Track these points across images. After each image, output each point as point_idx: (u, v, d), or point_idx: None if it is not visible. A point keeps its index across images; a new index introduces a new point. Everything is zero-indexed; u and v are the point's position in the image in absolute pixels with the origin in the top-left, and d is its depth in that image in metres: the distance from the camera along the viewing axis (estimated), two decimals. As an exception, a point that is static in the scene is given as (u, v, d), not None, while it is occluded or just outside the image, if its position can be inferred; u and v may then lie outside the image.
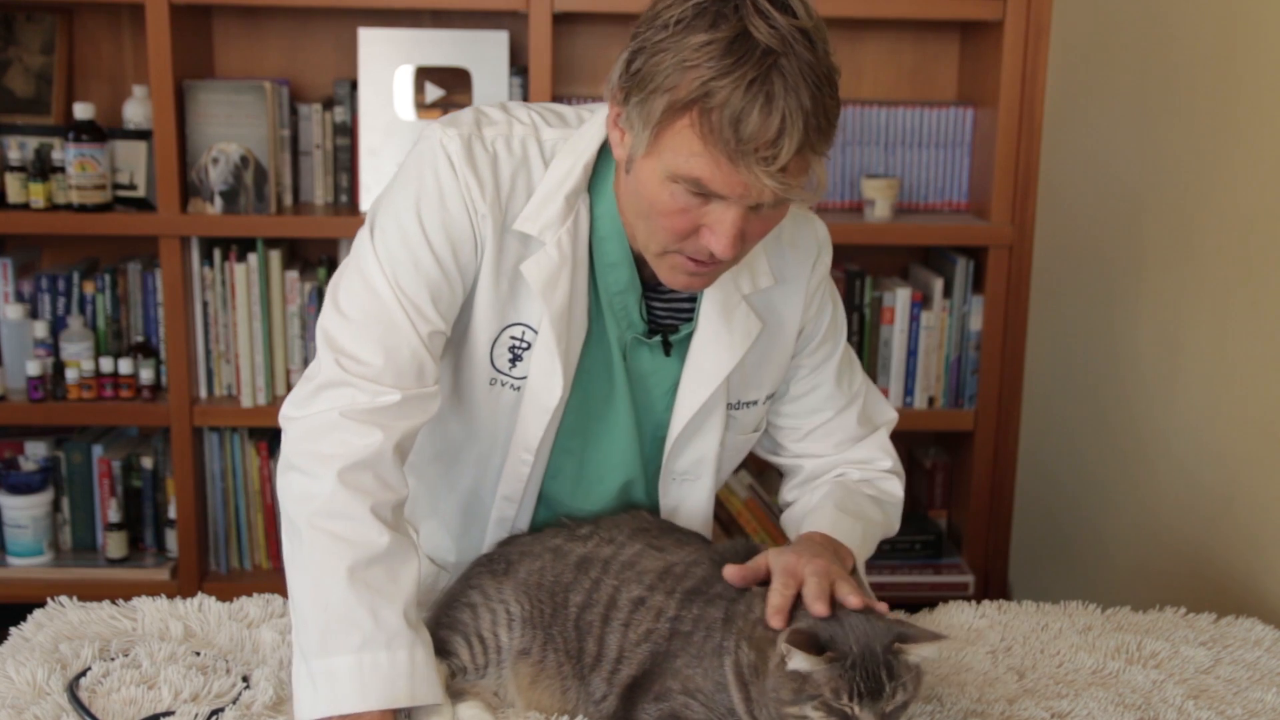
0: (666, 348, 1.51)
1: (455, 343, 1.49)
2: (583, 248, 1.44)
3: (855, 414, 1.62)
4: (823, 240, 1.57)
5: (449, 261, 1.41)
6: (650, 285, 1.48)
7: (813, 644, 1.17)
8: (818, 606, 1.23)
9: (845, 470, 1.62)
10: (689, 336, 1.50)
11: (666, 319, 1.51)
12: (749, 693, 1.22)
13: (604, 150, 1.44)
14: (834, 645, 1.18)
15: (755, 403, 1.58)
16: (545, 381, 1.46)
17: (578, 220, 1.43)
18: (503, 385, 1.49)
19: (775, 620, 1.23)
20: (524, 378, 1.48)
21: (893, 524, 1.61)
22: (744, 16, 1.23)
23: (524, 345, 1.47)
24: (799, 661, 1.17)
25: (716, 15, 1.23)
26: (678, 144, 1.26)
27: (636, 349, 1.51)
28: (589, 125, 1.44)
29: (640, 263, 1.46)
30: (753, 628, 1.23)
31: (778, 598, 1.25)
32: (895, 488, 1.63)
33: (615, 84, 1.32)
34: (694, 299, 1.49)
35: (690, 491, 1.59)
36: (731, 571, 1.33)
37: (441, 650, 1.36)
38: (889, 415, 1.67)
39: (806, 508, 1.58)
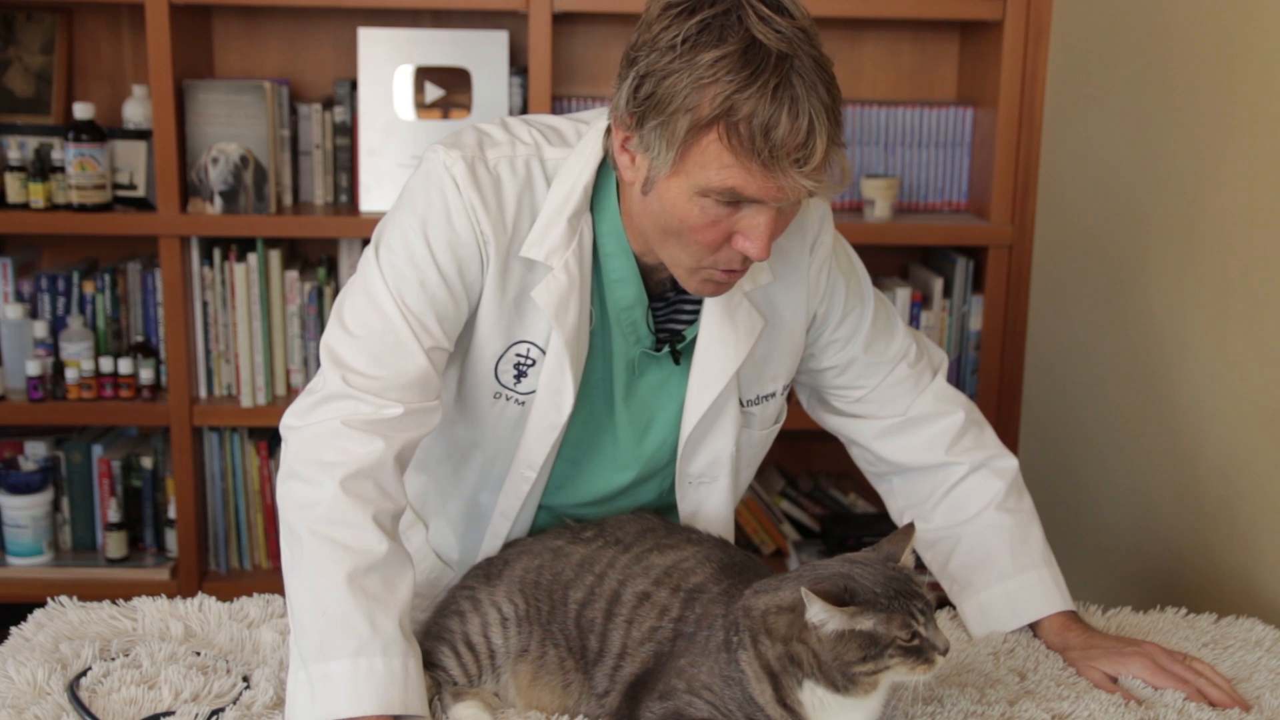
0: (675, 357, 1.51)
1: (459, 356, 1.49)
2: (587, 267, 1.45)
3: (904, 372, 1.63)
4: (819, 220, 1.54)
5: (455, 280, 1.42)
6: (655, 295, 1.49)
7: (836, 597, 1.19)
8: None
9: (957, 493, 1.62)
10: (695, 341, 1.50)
11: (670, 324, 1.51)
12: (780, 682, 1.22)
13: (602, 168, 1.44)
14: (858, 594, 1.20)
15: (773, 395, 1.59)
16: (554, 399, 1.47)
17: (581, 241, 1.43)
18: (507, 400, 1.50)
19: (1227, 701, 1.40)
20: (530, 392, 1.49)
21: (1029, 502, 1.63)
22: (748, 26, 1.23)
23: (529, 362, 1.48)
24: (818, 612, 1.18)
25: (721, 29, 1.24)
26: (706, 159, 1.27)
27: (646, 363, 1.51)
28: (586, 141, 1.44)
29: (645, 274, 1.46)
30: (764, 619, 1.23)
31: (1216, 692, 1.41)
32: (1008, 463, 1.63)
33: (623, 110, 1.32)
34: (698, 301, 1.50)
35: (708, 495, 1.59)
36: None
37: (428, 663, 1.36)
38: (938, 358, 1.67)
39: (974, 562, 1.60)
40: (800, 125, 1.23)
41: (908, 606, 1.19)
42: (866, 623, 1.18)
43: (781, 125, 1.23)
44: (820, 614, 1.19)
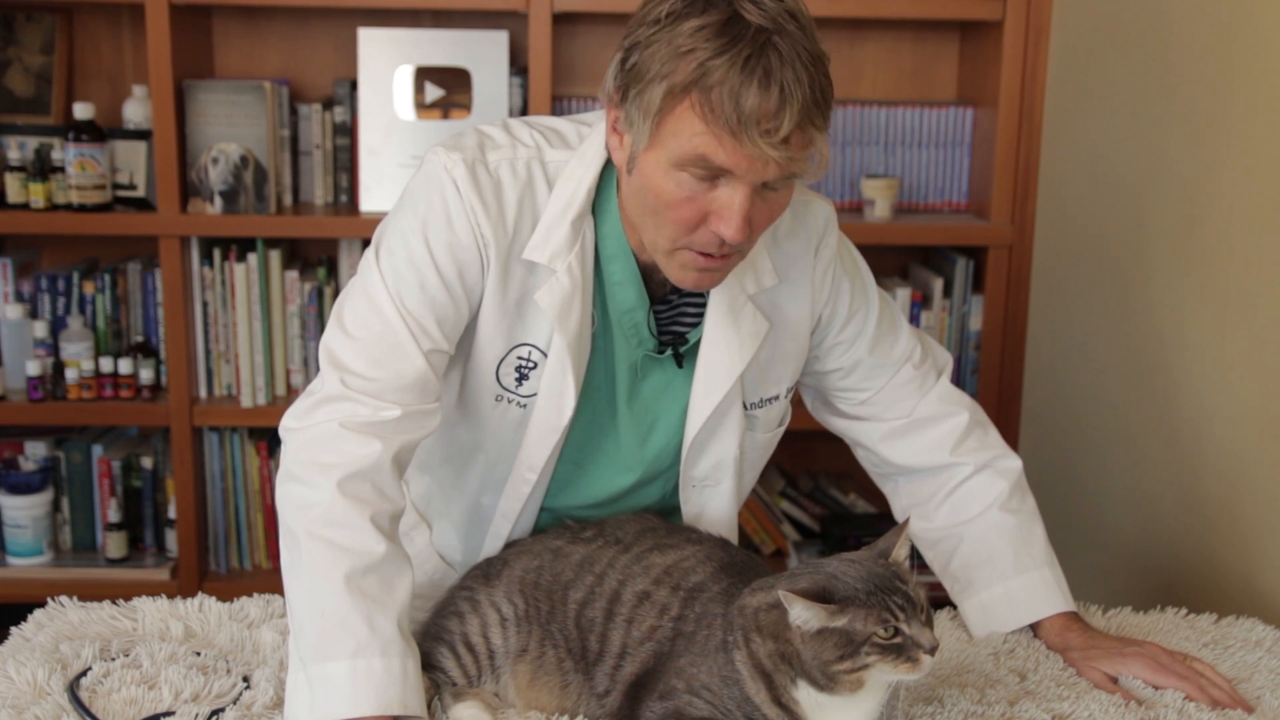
0: (678, 359, 1.51)
1: (460, 359, 1.49)
2: (589, 269, 1.45)
3: (909, 373, 1.62)
4: (824, 223, 1.54)
5: (455, 283, 1.41)
6: (656, 298, 1.49)
7: (815, 595, 1.18)
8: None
9: (961, 493, 1.62)
10: (698, 344, 1.50)
11: (673, 327, 1.51)
12: (774, 680, 1.22)
13: (605, 170, 1.44)
14: (837, 592, 1.19)
15: (776, 398, 1.59)
16: (556, 402, 1.47)
17: (584, 244, 1.43)
18: (509, 402, 1.50)
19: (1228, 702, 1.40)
20: (531, 395, 1.48)
21: (1032, 503, 1.63)
22: (733, 2, 1.25)
23: (530, 365, 1.48)
24: (800, 612, 1.18)
25: (707, 3, 1.25)
26: (679, 128, 1.27)
27: (648, 365, 1.51)
28: (588, 144, 1.44)
29: (646, 276, 1.46)
30: (755, 617, 1.23)
31: (1217, 691, 1.41)
32: (1012, 464, 1.63)
33: (611, 86, 1.33)
34: (702, 304, 1.49)
35: (712, 498, 1.59)
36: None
37: (427, 664, 1.36)
38: (942, 359, 1.67)
39: (977, 563, 1.60)
40: (770, 95, 1.23)
41: (886, 601, 1.18)
42: (842, 619, 1.18)
43: (752, 95, 1.23)
44: (801, 613, 1.18)
